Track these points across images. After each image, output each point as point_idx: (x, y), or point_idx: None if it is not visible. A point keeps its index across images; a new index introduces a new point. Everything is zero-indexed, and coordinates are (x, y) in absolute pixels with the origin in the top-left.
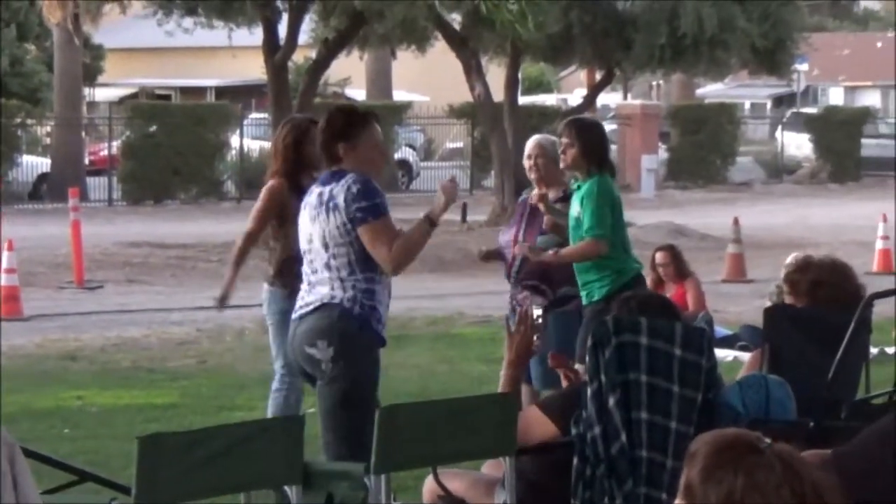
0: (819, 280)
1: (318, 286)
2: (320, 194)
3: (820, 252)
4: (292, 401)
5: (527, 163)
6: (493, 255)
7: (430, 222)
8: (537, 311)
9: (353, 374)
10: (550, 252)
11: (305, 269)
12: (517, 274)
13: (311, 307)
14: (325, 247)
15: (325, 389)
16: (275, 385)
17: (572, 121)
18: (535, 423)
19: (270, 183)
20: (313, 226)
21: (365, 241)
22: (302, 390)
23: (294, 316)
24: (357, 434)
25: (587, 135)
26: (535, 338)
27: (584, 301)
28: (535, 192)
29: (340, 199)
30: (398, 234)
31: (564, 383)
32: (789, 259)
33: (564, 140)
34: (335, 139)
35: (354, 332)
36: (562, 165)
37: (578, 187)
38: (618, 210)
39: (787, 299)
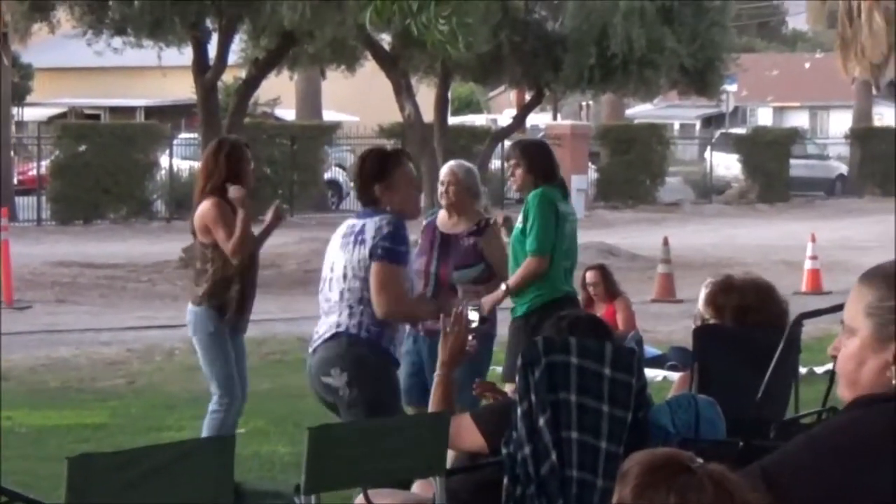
0: (746, 304)
1: (329, 315)
2: (353, 225)
3: (746, 271)
4: (229, 423)
5: (440, 188)
6: None
7: (435, 312)
8: (474, 314)
9: (370, 397)
10: (502, 289)
11: (321, 297)
12: (431, 299)
13: (322, 339)
14: (344, 277)
15: (347, 415)
16: (212, 406)
17: (517, 142)
18: (466, 432)
19: (213, 200)
20: (339, 254)
21: (371, 278)
22: (239, 413)
23: (309, 349)
24: None
25: (530, 153)
26: (469, 338)
27: (511, 316)
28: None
29: (370, 235)
30: (406, 288)
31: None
32: (708, 280)
33: (512, 161)
34: (371, 181)
35: (365, 356)
36: (514, 187)
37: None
38: (563, 226)
39: (712, 322)
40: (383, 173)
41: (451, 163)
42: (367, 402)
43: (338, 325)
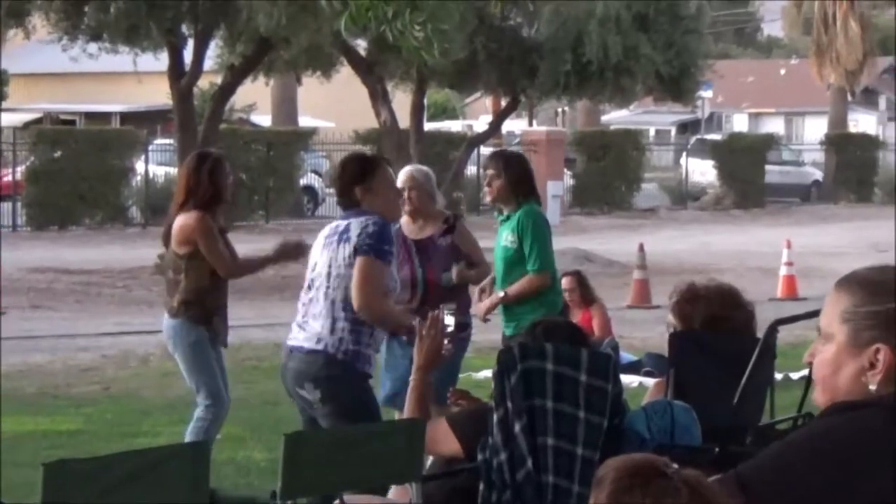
0: (713, 315)
1: (311, 321)
2: (337, 226)
3: (710, 278)
4: (213, 431)
5: None
6: None
7: (408, 331)
8: (450, 319)
9: (343, 411)
10: (500, 295)
11: (304, 297)
12: (421, 306)
13: (301, 348)
14: (328, 275)
15: (324, 422)
16: (198, 414)
17: (498, 153)
18: (442, 437)
19: (198, 215)
20: (322, 253)
21: (355, 272)
22: (222, 423)
23: (287, 344)
24: None
25: (513, 167)
26: (445, 342)
27: (512, 332)
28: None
29: (354, 233)
30: (386, 286)
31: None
32: (673, 290)
33: (490, 172)
34: (352, 183)
35: (339, 376)
36: (487, 198)
37: (507, 217)
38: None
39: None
40: (364, 177)
41: (410, 168)
42: (341, 416)
43: (318, 340)
